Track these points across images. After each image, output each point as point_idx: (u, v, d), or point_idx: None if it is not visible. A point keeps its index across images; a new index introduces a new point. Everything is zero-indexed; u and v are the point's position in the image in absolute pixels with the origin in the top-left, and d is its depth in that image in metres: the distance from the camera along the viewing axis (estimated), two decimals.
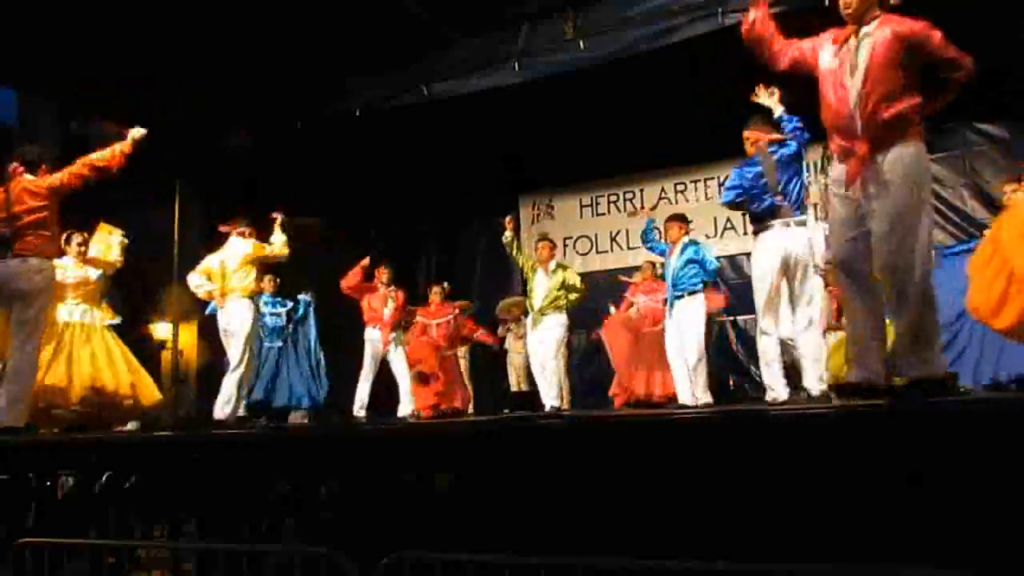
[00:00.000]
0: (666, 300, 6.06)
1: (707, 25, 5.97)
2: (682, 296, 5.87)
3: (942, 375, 3.02)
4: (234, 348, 5.72)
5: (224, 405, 5.59)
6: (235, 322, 5.72)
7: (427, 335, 7.90)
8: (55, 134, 8.64)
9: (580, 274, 9.58)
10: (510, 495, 3.07)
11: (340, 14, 6.45)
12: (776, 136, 4.64)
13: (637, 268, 8.53)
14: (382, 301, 7.34)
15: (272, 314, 7.84)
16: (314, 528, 3.53)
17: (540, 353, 6.55)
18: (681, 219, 6.24)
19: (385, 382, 7.41)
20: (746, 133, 4.80)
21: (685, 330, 5.82)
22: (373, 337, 7.30)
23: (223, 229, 6.08)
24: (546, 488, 2.99)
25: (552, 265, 6.65)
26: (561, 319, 6.56)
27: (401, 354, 7.36)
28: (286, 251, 6.05)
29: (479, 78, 6.88)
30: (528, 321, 6.70)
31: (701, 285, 5.92)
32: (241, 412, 5.80)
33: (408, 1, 6.42)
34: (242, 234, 5.99)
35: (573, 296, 6.62)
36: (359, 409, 7.19)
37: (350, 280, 7.33)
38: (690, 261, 5.90)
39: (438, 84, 7.04)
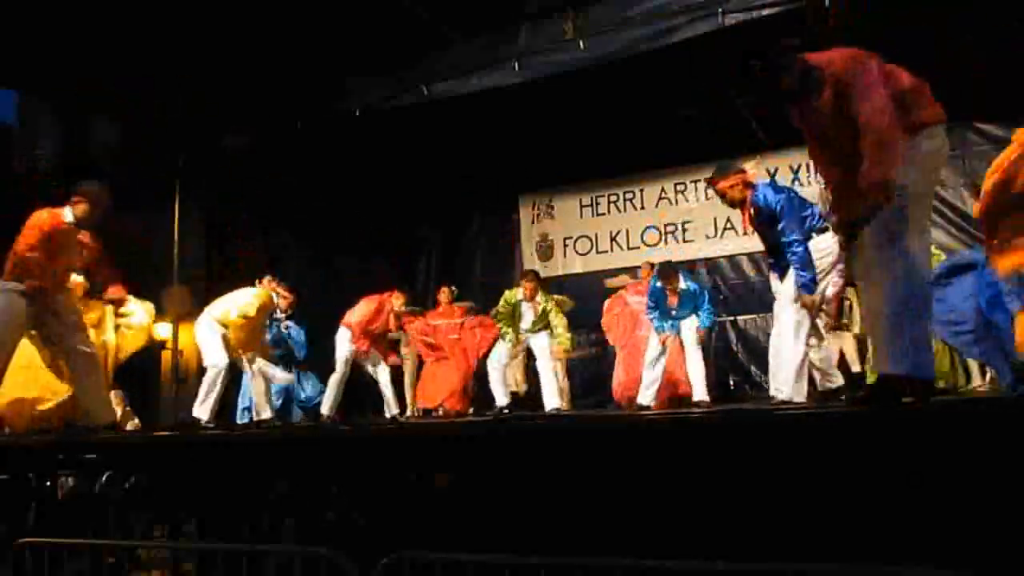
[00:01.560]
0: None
1: (707, 25, 5.96)
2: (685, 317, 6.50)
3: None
4: None
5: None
6: None
7: (436, 335, 7.92)
8: (55, 134, 8.65)
9: (580, 274, 9.75)
10: (510, 495, 3.07)
11: (340, 14, 6.45)
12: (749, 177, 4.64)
13: (637, 268, 8.54)
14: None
15: (273, 319, 7.79)
16: (314, 528, 3.53)
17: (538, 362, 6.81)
18: (675, 271, 6.51)
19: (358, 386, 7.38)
20: (720, 185, 4.66)
21: (690, 340, 6.46)
22: (343, 338, 7.01)
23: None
24: (546, 488, 2.99)
25: (540, 298, 6.81)
26: (545, 333, 6.81)
27: (379, 359, 7.13)
28: None
29: (479, 78, 6.87)
30: (508, 340, 6.82)
31: None
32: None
33: (408, 1, 6.42)
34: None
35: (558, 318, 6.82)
36: (329, 410, 6.93)
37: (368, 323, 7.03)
38: (688, 295, 6.41)
39: (438, 84, 7.03)
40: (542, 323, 6.75)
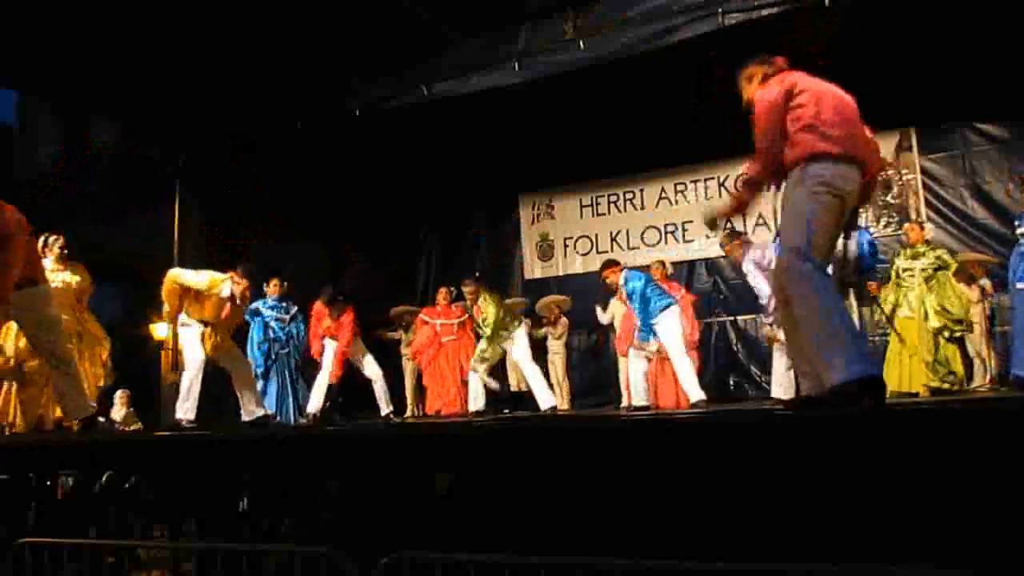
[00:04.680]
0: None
1: (707, 25, 5.97)
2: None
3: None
4: None
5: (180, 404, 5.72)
6: None
7: (435, 337, 7.92)
8: (55, 134, 8.65)
9: (580, 274, 9.74)
10: (510, 495, 3.07)
11: (341, 14, 6.45)
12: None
13: (636, 268, 8.51)
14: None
15: (277, 319, 7.76)
16: (314, 528, 3.53)
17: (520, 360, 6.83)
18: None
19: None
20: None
21: (671, 339, 6.22)
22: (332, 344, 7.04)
23: None
24: (546, 488, 2.99)
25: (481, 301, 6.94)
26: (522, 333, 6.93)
27: (370, 358, 7.15)
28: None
29: (479, 78, 6.87)
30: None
31: None
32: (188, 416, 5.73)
33: (408, 1, 6.42)
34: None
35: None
36: (312, 409, 6.96)
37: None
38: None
39: (438, 84, 7.03)
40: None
